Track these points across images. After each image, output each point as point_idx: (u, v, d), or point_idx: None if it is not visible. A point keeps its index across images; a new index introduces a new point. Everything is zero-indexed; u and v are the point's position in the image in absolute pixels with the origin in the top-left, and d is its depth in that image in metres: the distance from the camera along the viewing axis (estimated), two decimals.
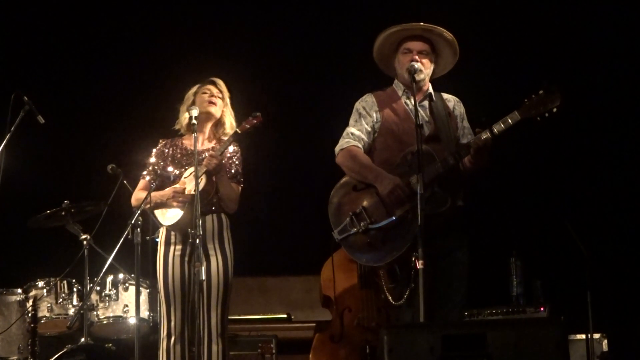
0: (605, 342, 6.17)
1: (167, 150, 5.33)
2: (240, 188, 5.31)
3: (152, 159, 5.34)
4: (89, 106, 7.14)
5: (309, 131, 7.00)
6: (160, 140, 5.40)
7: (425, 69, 4.87)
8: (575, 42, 6.84)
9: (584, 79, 6.67)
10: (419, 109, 4.79)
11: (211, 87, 5.35)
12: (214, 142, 5.36)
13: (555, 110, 4.57)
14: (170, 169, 5.26)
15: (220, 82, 5.40)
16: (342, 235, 4.84)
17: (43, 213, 5.86)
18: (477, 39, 6.20)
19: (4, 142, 5.36)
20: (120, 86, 7.08)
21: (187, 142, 5.35)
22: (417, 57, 4.85)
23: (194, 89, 5.39)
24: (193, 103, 5.31)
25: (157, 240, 5.27)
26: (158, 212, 5.18)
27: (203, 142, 5.32)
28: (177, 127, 5.42)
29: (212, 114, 5.30)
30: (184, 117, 5.33)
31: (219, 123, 5.37)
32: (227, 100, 5.38)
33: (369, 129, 4.94)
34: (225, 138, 5.28)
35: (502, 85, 6.58)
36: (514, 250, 6.45)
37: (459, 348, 3.89)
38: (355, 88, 5.17)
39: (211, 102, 5.29)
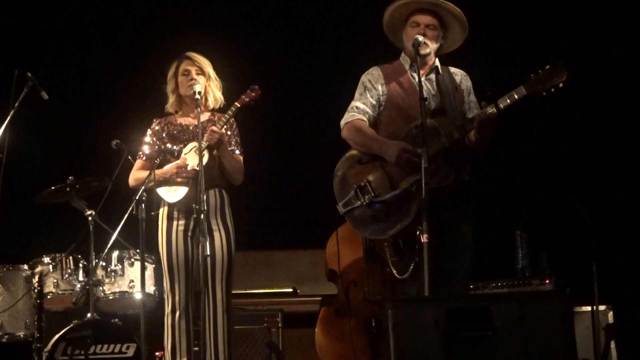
0: (610, 314, 6.18)
1: (162, 129, 5.33)
2: (242, 158, 5.31)
3: (147, 138, 5.34)
4: (93, 82, 7.13)
5: (315, 104, 6.98)
6: (154, 120, 5.39)
7: (431, 43, 4.83)
8: (582, 16, 6.80)
9: (591, 53, 6.63)
10: (425, 82, 4.78)
11: (189, 66, 5.29)
12: (208, 114, 5.34)
13: (561, 85, 4.55)
14: (169, 146, 5.26)
15: (197, 57, 5.33)
16: (346, 209, 4.85)
17: (48, 189, 5.86)
18: (484, 13, 6.15)
19: (8, 118, 5.36)
20: (125, 61, 7.06)
21: (182, 119, 5.35)
22: (424, 31, 4.81)
23: (173, 68, 5.34)
24: (176, 85, 5.29)
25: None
26: (162, 190, 5.18)
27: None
28: (168, 108, 5.39)
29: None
30: (173, 98, 5.33)
31: (205, 98, 5.33)
32: (209, 71, 5.32)
33: (374, 103, 4.92)
34: (211, 109, 5.30)
35: (508, 59, 6.55)
36: (520, 223, 6.45)
37: (463, 321, 3.89)
38: (362, 60, 5.15)
39: (194, 83, 5.22)
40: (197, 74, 5.26)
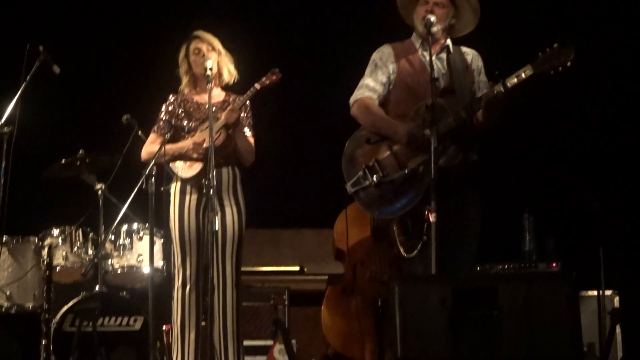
0: (616, 298, 6.20)
1: (178, 105, 5.34)
2: (254, 140, 5.32)
3: (163, 114, 5.35)
4: (104, 56, 7.13)
5: (324, 82, 6.98)
6: (171, 95, 5.40)
7: (440, 21, 4.82)
8: None
9: (599, 33, 6.61)
10: (435, 61, 4.77)
11: (199, 44, 5.31)
12: (223, 94, 5.35)
13: (569, 64, 4.53)
14: (184, 122, 5.27)
15: (205, 35, 5.34)
16: (354, 188, 4.86)
17: (58, 162, 5.89)
18: None
19: (19, 92, 5.36)
20: (137, 36, 7.06)
21: (197, 97, 5.35)
22: (431, 8, 4.80)
23: (183, 51, 5.35)
24: (189, 66, 5.30)
25: (170, 190, 5.29)
26: (176, 165, 5.20)
27: (212, 97, 5.28)
28: (182, 89, 5.40)
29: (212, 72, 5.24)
30: (186, 79, 5.35)
31: (219, 74, 5.35)
32: (219, 47, 5.33)
33: (384, 81, 4.93)
34: (224, 85, 5.32)
35: (516, 38, 6.53)
36: (527, 206, 6.45)
37: (469, 301, 3.91)
38: (373, 39, 5.14)
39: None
40: (208, 50, 5.28)
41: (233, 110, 5.12)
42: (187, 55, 5.35)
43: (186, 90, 5.39)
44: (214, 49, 5.30)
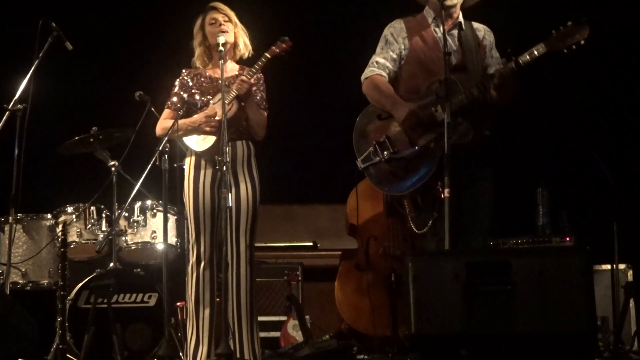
0: (630, 272, 6.20)
1: (191, 80, 5.32)
2: (266, 114, 5.31)
3: (176, 89, 5.34)
4: (117, 32, 7.12)
5: (337, 58, 6.96)
6: (184, 70, 5.37)
7: None
8: None
9: (613, 10, 6.56)
10: (447, 37, 4.75)
11: (215, 15, 5.27)
12: (236, 68, 5.34)
13: (582, 42, 4.51)
14: (197, 97, 5.26)
15: (222, 6, 5.30)
16: (365, 164, 4.86)
17: (72, 139, 5.89)
18: None
19: (32, 68, 5.37)
20: (151, 12, 7.05)
21: (211, 71, 5.33)
22: None
23: (199, 22, 5.31)
24: (204, 37, 5.29)
25: (183, 167, 5.29)
26: (189, 139, 5.19)
27: (226, 70, 5.26)
28: (195, 61, 5.39)
29: (228, 42, 5.24)
30: (200, 50, 5.32)
31: (235, 46, 5.34)
32: (235, 19, 5.30)
33: (395, 57, 4.91)
34: (239, 58, 5.30)
35: (529, 16, 6.49)
36: (541, 180, 6.44)
37: (483, 275, 3.91)
38: (386, 11, 5.13)
39: (222, 32, 5.19)
40: (225, 21, 5.25)
41: (244, 81, 5.09)
42: (202, 27, 5.31)
43: (199, 63, 5.37)
44: (230, 20, 5.27)
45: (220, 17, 5.25)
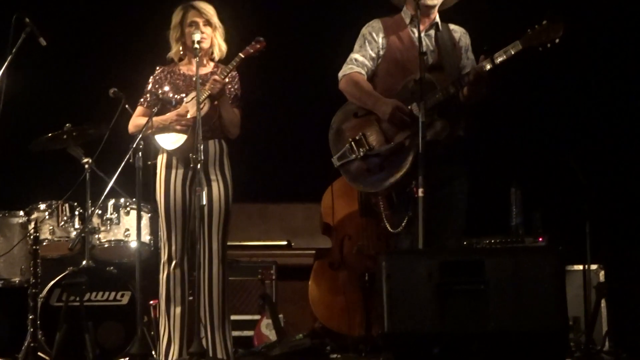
0: (602, 273, 6.23)
1: (165, 77, 5.30)
2: (240, 113, 5.30)
3: (150, 86, 5.31)
4: (92, 28, 7.08)
5: (312, 56, 6.96)
6: (158, 68, 5.35)
7: None
8: None
9: (588, 9, 6.60)
10: (424, 38, 4.77)
11: (196, 18, 5.21)
12: (211, 66, 5.32)
13: (557, 40, 4.54)
14: (170, 95, 5.24)
15: (203, 7, 5.25)
16: (341, 162, 4.87)
17: (45, 136, 5.85)
18: None
19: (5, 64, 5.32)
20: (124, 9, 7.02)
21: (185, 68, 5.31)
22: None
23: (179, 16, 5.25)
24: (182, 34, 5.25)
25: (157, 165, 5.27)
26: (161, 137, 5.16)
27: (200, 69, 5.23)
28: (171, 56, 5.36)
29: (203, 48, 5.17)
30: (177, 47, 5.28)
31: (210, 50, 5.30)
32: (215, 20, 5.26)
33: (373, 55, 4.93)
34: (216, 59, 5.27)
35: (504, 14, 6.52)
36: (514, 181, 6.46)
37: (456, 274, 3.92)
38: (363, 13, 5.13)
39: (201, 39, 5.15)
40: (205, 25, 5.21)
41: (217, 81, 5.08)
42: (182, 23, 5.27)
43: (174, 58, 5.34)
44: (210, 24, 5.23)
45: (201, 22, 5.20)
